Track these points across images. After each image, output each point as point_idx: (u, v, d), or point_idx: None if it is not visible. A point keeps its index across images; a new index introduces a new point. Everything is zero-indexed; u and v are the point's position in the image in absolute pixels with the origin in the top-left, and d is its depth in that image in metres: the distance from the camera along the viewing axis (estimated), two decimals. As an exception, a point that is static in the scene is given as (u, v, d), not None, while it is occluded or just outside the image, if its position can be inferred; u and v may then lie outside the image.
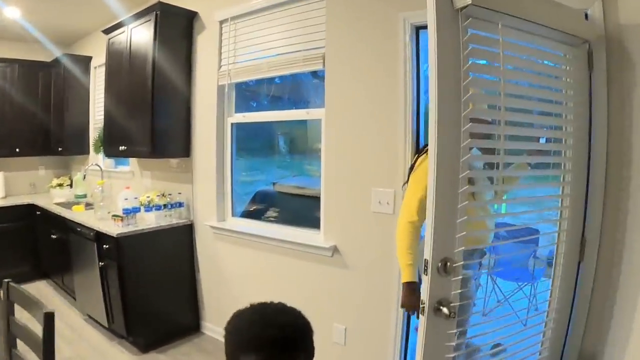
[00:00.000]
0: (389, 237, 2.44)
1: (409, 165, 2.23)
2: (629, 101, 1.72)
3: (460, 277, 1.50)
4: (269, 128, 4.08)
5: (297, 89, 3.56)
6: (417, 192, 2.00)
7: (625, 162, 1.74)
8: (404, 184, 2.26)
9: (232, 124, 3.50)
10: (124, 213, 3.44)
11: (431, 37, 1.41)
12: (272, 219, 3.44)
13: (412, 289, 2.01)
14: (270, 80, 3.32)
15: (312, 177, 3.48)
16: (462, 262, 1.50)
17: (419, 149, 2.32)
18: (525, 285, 3.66)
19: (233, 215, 3.56)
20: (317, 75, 2.93)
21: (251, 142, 3.87)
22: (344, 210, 2.71)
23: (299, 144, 4.34)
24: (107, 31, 4.11)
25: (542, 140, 1.87)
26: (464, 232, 1.50)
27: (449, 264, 1.47)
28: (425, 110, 2.36)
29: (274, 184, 3.69)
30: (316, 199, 2.93)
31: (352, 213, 2.68)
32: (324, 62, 2.75)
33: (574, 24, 1.73)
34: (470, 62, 1.46)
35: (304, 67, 2.89)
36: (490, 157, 1.74)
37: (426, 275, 1.46)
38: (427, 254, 1.46)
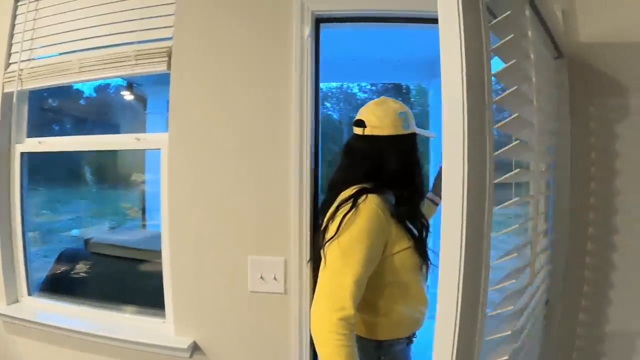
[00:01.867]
0: (281, 329, 1.65)
1: (323, 224, 1.42)
2: (590, 117, 1.59)
3: None
4: (70, 154, 3.06)
5: (107, 107, 2.67)
6: (351, 269, 1.27)
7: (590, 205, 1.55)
8: (309, 259, 1.47)
9: (22, 153, 2.28)
10: None
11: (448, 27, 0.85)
12: (91, 296, 2.28)
13: None
14: (78, 92, 2.21)
15: (139, 229, 2.64)
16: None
17: (328, 199, 1.54)
18: None
19: (30, 292, 2.29)
20: (134, 90, 2.01)
21: (48, 170, 2.85)
22: (205, 288, 1.78)
23: (108, 174, 3.56)
24: None
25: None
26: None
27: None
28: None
29: (87, 241, 2.51)
30: (155, 265, 1.95)
31: (218, 293, 1.76)
32: (169, 62, 1.79)
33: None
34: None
35: (136, 68, 1.87)
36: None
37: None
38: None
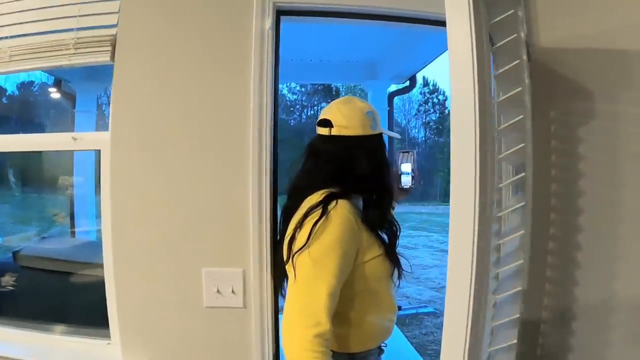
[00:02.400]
0: (242, 347, 1.54)
1: (289, 233, 1.30)
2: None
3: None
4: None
5: (31, 106, 2.49)
6: (324, 281, 1.19)
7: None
8: (286, 261, 1.35)
9: None
10: None
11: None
12: (18, 315, 1.99)
13: None
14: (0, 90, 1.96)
15: (68, 236, 2.46)
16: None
17: (291, 204, 1.42)
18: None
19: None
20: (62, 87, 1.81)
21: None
22: (155, 305, 1.59)
23: (33, 176, 3.37)
24: None
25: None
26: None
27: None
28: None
29: (15, 253, 2.22)
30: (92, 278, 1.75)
31: (170, 309, 1.58)
32: (113, 52, 1.59)
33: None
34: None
35: (75, 58, 1.65)
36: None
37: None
38: None
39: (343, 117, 1.38)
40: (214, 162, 1.55)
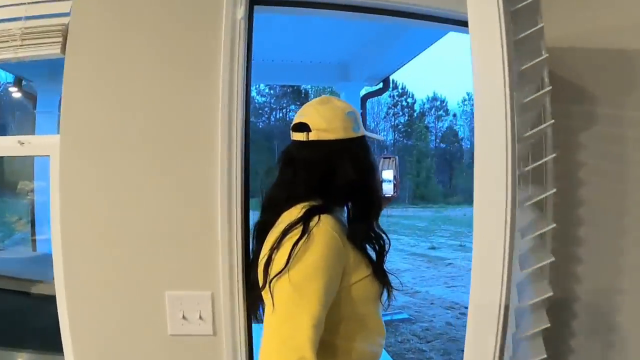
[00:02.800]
0: None
1: (266, 254, 1.12)
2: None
3: None
4: None
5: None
6: (307, 309, 1.02)
7: None
8: (262, 287, 1.16)
9: None
10: None
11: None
12: None
13: None
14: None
15: (28, 246, 2.34)
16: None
17: (265, 220, 1.25)
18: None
19: None
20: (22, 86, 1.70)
21: None
22: (113, 333, 1.38)
23: None
24: None
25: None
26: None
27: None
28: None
29: None
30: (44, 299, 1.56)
31: (130, 338, 1.39)
32: (64, 44, 1.39)
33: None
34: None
35: (21, 50, 1.44)
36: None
37: None
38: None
39: (322, 119, 1.21)
40: (178, 170, 1.36)
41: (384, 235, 1.25)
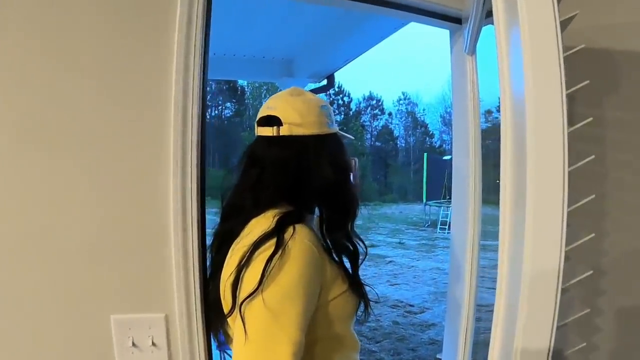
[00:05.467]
0: None
1: (233, 273, 0.97)
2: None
3: None
4: None
5: None
6: (285, 335, 0.89)
7: None
8: (230, 312, 1.00)
9: None
10: None
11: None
12: None
13: None
14: None
15: None
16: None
17: (229, 229, 1.11)
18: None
19: None
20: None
21: None
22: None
23: None
24: None
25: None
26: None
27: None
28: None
29: None
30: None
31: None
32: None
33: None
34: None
35: None
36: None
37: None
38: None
39: (295, 112, 1.08)
40: (122, 169, 1.17)
41: (361, 243, 1.14)
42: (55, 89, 1.12)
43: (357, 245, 1.13)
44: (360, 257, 1.13)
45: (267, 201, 1.07)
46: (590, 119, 0.75)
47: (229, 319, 1.00)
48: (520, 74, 0.65)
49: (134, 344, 1.18)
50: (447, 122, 41.44)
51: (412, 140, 43.44)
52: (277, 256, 0.92)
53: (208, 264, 1.22)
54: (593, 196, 0.84)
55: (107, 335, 1.18)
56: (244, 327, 0.90)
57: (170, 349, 1.20)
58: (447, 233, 13.86)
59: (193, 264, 1.20)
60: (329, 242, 1.10)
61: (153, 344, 1.19)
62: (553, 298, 0.71)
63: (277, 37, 3.12)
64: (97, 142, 1.15)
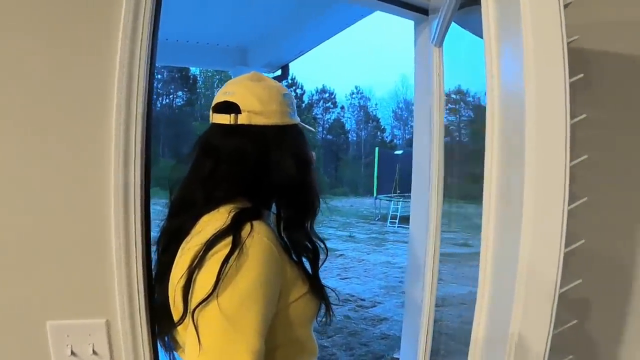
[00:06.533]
0: None
1: (184, 275, 0.89)
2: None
3: None
4: None
5: None
6: (244, 342, 0.81)
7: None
8: (180, 319, 0.91)
9: None
10: None
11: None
12: None
13: None
14: None
15: None
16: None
17: (178, 226, 1.03)
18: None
19: None
20: None
21: None
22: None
23: None
24: None
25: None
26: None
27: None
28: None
29: None
30: None
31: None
32: None
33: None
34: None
35: None
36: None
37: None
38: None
39: (255, 99, 1.00)
40: (58, 164, 1.06)
41: (321, 243, 1.09)
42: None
43: (318, 245, 1.08)
44: (321, 258, 1.08)
45: (221, 196, 0.99)
46: (584, 115, 0.72)
47: (180, 327, 0.92)
48: (515, 63, 0.62)
49: (72, 353, 1.08)
50: (398, 117, 42.15)
51: (363, 134, 43.91)
52: (233, 256, 0.85)
53: (153, 264, 1.13)
54: (585, 199, 0.83)
55: (44, 344, 1.07)
56: (198, 335, 0.82)
57: (113, 357, 1.10)
58: (397, 227, 14.10)
59: (136, 263, 1.10)
60: (287, 241, 1.04)
61: (94, 352, 1.09)
62: (552, 298, 0.71)
63: (232, 24, 3.02)
64: (31, 138, 1.03)
